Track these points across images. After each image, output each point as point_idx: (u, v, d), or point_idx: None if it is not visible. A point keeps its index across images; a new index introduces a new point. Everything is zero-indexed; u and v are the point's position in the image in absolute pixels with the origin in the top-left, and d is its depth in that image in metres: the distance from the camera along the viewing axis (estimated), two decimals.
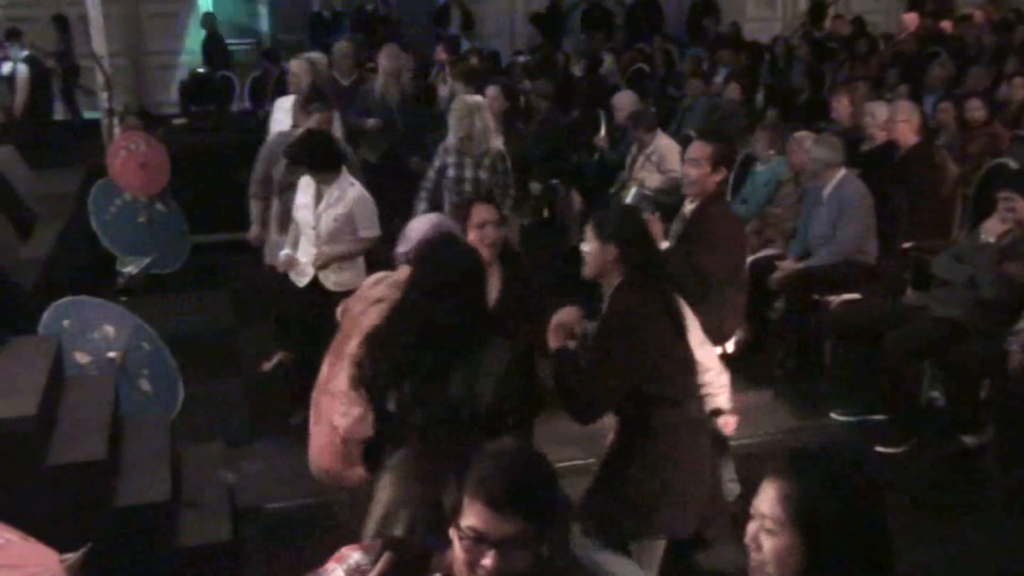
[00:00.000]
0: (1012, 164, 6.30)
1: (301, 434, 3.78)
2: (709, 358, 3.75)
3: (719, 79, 10.29)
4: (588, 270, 3.43)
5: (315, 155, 5.08)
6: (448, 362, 2.90)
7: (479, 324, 2.97)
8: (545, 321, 3.39)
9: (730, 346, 4.66)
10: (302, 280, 5.24)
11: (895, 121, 6.60)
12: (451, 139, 5.88)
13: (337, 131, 6.25)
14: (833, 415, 5.42)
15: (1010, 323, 4.69)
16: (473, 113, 5.81)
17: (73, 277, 7.00)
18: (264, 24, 14.19)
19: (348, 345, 3.35)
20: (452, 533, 1.87)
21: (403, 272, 3.49)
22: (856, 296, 5.75)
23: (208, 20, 13.04)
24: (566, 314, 3.36)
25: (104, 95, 8.96)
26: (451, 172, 5.81)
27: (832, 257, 5.82)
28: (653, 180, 7.38)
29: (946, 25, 12.58)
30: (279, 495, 4.77)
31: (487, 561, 1.82)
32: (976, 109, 7.23)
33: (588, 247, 3.41)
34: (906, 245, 6.14)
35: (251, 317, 6.83)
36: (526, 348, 3.52)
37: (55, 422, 4.02)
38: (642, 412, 3.33)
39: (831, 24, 13.47)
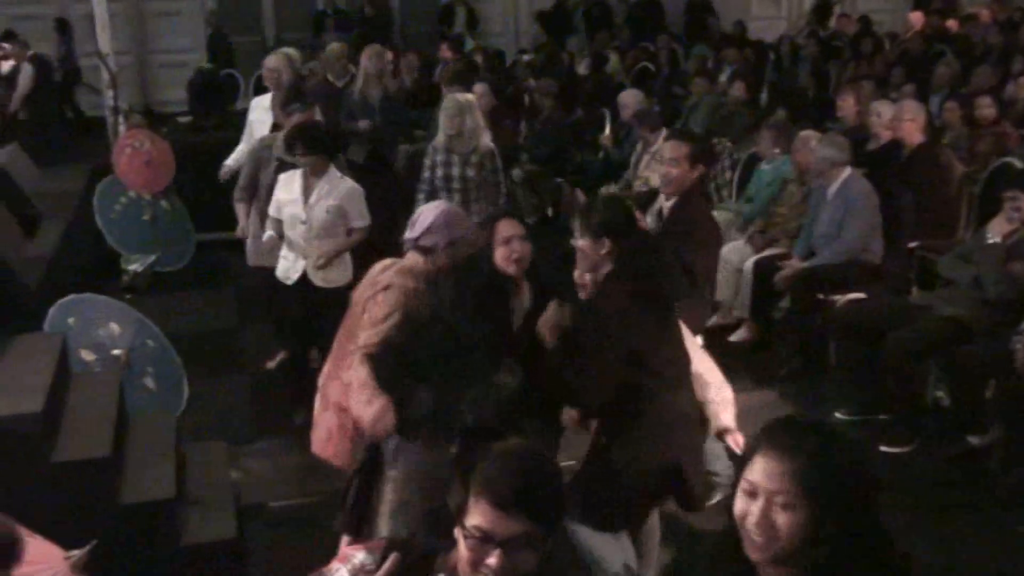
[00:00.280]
0: (1017, 164, 6.29)
1: (305, 432, 3.79)
2: (710, 372, 3.71)
3: (724, 78, 10.28)
4: (582, 267, 3.44)
5: (315, 138, 5.12)
6: (463, 374, 2.91)
7: (498, 340, 2.98)
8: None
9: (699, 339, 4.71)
10: (292, 276, 5.24)
11: (901, 120, 6.59)
12: (440, 137, 5.89)
13: None
14: (837, 414, 5.41)
15: (1015, 323, 4.68)
16: (463, 111, 5.82)
17: (78, 275, 7.02)
18: (268, 22, 14.20)
19: (357, 332, 3.37)
20: (457, 533, 1.87)
21: (411, 258, 3.49)
22: (861, 295, 5.74)
23: (213, 18, 13.06)
24: (558, 312, 3.38)
25: (109, 93, 8.97)
26: (440, 171, 5.81)
27: (837, 256, 5.81)
28: (658, 179, 7.36)
29: (952, 24, 12.56)
30: (283, 493, 4.78)
31: (492, 560, 1.81)
32: (986, 107, 7.21)
33: (580, 243, 3.41)
34: (911, 245, 6.13)
35: (255, 315, 6.83)
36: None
37: (60, 419, 4.03)
38: (628, 403, 3.35)
39: (837, 23, 13.45)
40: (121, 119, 8.86)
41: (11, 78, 10.35)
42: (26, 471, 3.68)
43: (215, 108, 11.28)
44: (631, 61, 12.15)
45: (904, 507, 4.54)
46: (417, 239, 3.46)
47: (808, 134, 6.45)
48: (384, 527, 3.16)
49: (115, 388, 4.44)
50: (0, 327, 4.91)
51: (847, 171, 5.87)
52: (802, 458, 1.80)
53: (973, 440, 4.94)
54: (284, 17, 14.04)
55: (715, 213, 7.15)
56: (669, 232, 4.54)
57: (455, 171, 5.80)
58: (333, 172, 5.19)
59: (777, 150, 6.75)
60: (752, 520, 1.82)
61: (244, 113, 7.16)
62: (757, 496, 1.83)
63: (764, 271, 6.16)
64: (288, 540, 4.33)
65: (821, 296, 5.85)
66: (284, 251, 5.28)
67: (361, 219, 5.20)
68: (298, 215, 5.13)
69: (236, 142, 6.72)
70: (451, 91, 6.76)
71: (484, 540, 1.82)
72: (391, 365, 3.10)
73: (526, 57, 12.35)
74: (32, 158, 8.45)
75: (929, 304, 5.24)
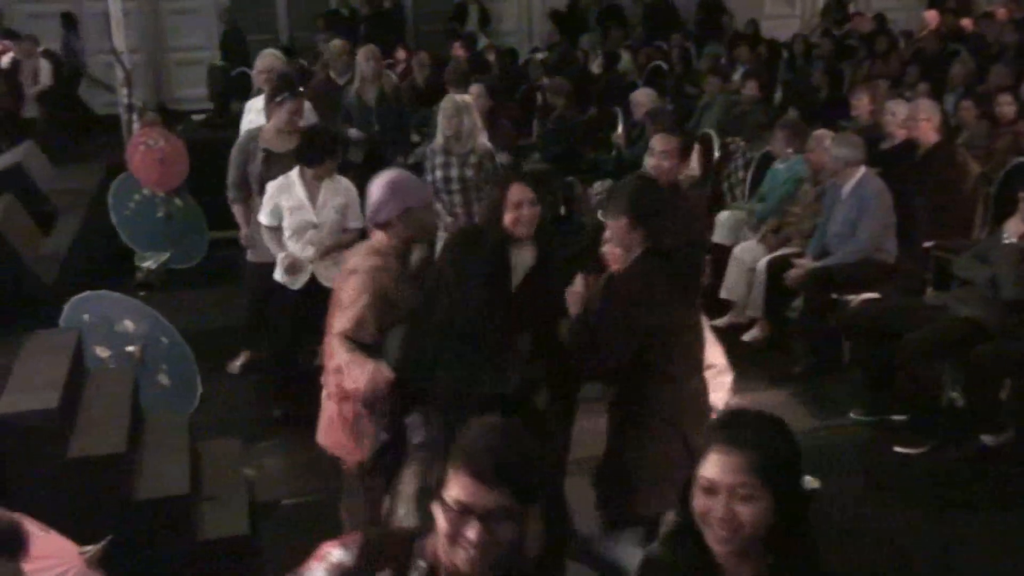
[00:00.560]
0: None
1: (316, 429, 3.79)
2: (714, 355, 3.76)
3: (737, 77, 10.25)
4: (613, 242, 3.47)
5: (325, 146, 5.13)
6: (477, 345, 2.91)
7: (507, 308, 2.99)
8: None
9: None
10: (300, 280, 5.23)
11: (916, 119, 6.56)
12: (439, 139, 5.88)
13: (312, 119, 6.20)
14: (852, 415, 5.39)
15: None
16: (461, 112, 5.83)
17: (93, 272, 7.05)
18: (282, 20, 14.23)
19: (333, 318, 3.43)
20: (436, 508, 1.85)
21: (375, 237, 3.54)
22: (875, 295, 5.72)
23: (227, 15, 13.08)
24: (582, 283, 3.47)
25: (123, 91, 9.00)
26: (439, 172, 5.81)
27: (851, 256, 5.79)
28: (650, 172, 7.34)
29: (967, 23, 12.50)
30: (296, 489, 4.79)
31: (471, 533, 1.79)
32: (1006, 104, 7.18)
33: (611, 223, 3.45)
34: (926, 244, 6.10)
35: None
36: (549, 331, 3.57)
37: (75, 416, 4.04)
38: (642, 386, 3.36)
39: (851, 21, 13.40)
40: (135, 117, 8.89)
41: (10, 73, 10.36)
42: (41, 467, 3.70)
43: (227, 106, 11.30)
44: (644, 60, 12.13)
45: (920, 507, 4.53)
46: (372, 217, 3.51)
47: (822, 133, 6.43)
48: (405, 511, 3.16)
49: (130, 385, 4.45)
50: (16, 323, 4.96)
51: (861, 170, 5.84)
52: (755, 449, 1.88)
53: (988, 441, 4.92)
54: (298, 16, 14.07)
55: (728, 212, 7.19)
56: None
57: (454, 172, 5.79)
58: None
59: (790, 149, 6.73)
60: (716, 516, 1.88)
61: None
62: (717, 492, 1.88)
63: (777, 270, 6.14)
64: (301, 536, 4.30)
65: (835, 296, 5.84)
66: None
67: (356, 220, 5.15)
68: (309, 219, 5.13)
69: None
70: (458, 92, 6.79)
71: (463, 513, 1.80)
72: (405, 345, 3.12)
73: (539, 55, 12.35)
74: (47, 155, 8.49)
75: (944, 304, 5.22)
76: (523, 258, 3.66)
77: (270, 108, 5.77)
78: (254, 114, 6.40)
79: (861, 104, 7.73)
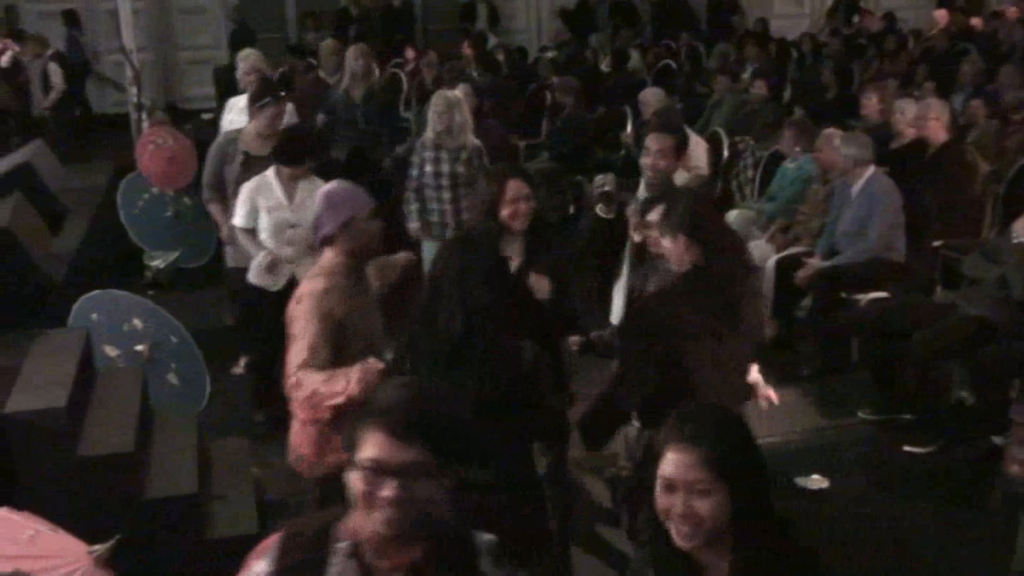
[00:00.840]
0: None
1: None
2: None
3: (746, 75, 10.23)
4: (673, 263, 3.39)
5: (305, 148, 5.11)
6: (476, 348, 2.90)
7: (507, 310, 2.97)
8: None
9: None
10: (279, 283, 5.10)
11: (925, 119, 6.54)
12: (429, 134, 5.89)
13: (293, 119, 6.17)
14: (860, 414, 5.38)
15: None
16: (452, 108, 5.84)
17: (101, 271, 7.07)
18: (291, 19, 14.25)
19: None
20: (352, 475, 1.78)
21: (324, 257, 3.43)
22: (884, 294, 5.70)
23: (235, 14, 13.11)
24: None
25: (132, 90, 9.02)
26: (429, 167, 5.82)
27: (860, 255, 5.77)
28: (680, 176, 7.33)
29: (977, 22, 12.46)
30: (305, 488, 4.79)
31: (386, 492, 1.73)
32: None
33: (666, 244, 3.35)
34: (936, 243, 6.09)
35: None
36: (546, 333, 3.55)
37: (84, 415, 4.05)
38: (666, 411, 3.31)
39: (861, 20, 13.37)
40: (144, 115, 8.91)
41: (10, 72, 10.38)
42: (50, 466, 3.71)
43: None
44: (653, 59, 12.12)
45: (929, 507, 4.52)
46: (317, 236, 3.45)
47: (831, 132, 6.41)
48: None
49: (138, 383, 4.47)
50: (25, 322, 4.97)
51: (871, 170, 5.83)
52: (708, 445, 1.93)
53: (998, 440, 4.89)
54: (306, 15, 14.09)
55: (736, 211, 7.17)
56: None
57: (445, 167, 5.80)
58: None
59: (799, 148, 6.72)
60: (677, 512, 1.93)
61: None
62: (676, 489, 1.93)
63: (786, 270, 6.12)
64: None
65: (844, 295, 5.82)
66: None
67: None
68: (287, 219, 5.04)
69: None
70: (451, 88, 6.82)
71: (377, 471, 1.74)
72: (407, 355, 3.10)
73: (548, 54, 12.34)
74: (56, 155, 8.52)
75: (953, 303, 5.20)
76: (512, 252, 3.67)
77: (252, 111, 5.74)
78: (235, 113, 6.37)
79: (870, 103, 7.71)
